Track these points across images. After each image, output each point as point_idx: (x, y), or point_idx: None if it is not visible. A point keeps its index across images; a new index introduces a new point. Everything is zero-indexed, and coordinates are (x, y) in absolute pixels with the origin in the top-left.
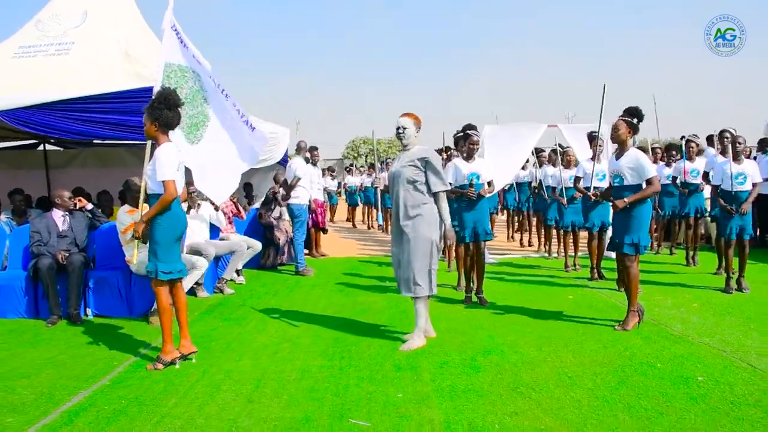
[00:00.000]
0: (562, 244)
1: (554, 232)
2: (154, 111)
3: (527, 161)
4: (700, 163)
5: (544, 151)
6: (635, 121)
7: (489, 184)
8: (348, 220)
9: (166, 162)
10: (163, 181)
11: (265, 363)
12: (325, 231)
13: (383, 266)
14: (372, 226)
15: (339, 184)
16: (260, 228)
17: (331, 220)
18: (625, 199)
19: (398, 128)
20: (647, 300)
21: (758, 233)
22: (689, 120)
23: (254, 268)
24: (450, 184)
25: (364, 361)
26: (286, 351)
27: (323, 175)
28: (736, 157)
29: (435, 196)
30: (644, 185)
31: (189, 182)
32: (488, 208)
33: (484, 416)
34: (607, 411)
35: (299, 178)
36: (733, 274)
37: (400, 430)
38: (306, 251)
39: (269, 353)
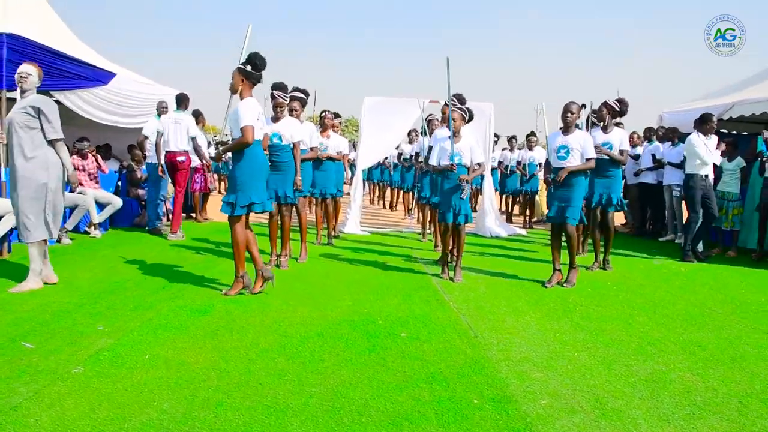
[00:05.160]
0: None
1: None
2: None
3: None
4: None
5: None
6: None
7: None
8: None
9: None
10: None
11: None
12: (205, 197)
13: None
14: None
15: None
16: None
17: None
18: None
19: (20, 73)
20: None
21: (648, 224)
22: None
23: (127, 226)
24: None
25: (111, 302)
26: (41, 297)
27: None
28: (566, 129)
29: (52, 144)
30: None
31: None
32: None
33: (149, 349)
34: (261, 365)
35: (145, 137)
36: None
37: (70, 351)
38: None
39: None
